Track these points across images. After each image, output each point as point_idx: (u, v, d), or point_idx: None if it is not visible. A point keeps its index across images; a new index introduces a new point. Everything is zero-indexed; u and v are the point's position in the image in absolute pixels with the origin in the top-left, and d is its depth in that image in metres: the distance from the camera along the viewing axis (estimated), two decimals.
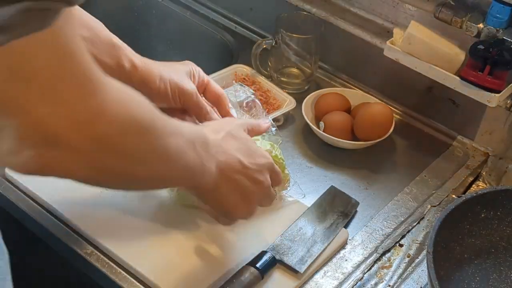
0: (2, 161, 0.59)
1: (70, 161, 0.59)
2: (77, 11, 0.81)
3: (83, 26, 0.84)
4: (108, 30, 0.87)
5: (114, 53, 0.86)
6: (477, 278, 0.93)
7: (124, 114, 0.60)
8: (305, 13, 1.30)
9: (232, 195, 0.81)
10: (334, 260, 0.96)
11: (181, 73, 0.92)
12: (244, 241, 0.95)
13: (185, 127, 0.73)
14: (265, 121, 0.96)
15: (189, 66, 0.95)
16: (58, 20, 0.52)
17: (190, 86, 0.92)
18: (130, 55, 0.88)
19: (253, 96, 1.09)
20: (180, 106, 0.93)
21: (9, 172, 0.99)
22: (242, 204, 0.82)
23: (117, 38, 0.88)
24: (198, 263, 0.91)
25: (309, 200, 1.04)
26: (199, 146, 0.73)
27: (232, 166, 0.79)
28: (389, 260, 0.97)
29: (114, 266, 0.91)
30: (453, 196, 1.09)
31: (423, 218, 1.05)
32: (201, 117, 0.94)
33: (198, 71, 0.96)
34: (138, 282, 0.89)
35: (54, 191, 0.97)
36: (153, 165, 0.67)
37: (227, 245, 0.94)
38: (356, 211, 1.03)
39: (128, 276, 0.90)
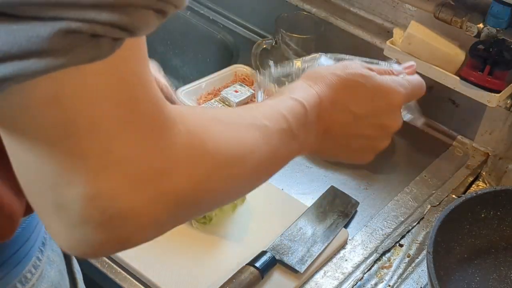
0: (66, 246, 0.47)
1: (147, 234, 0.50)
2: None
3: None
4: None
5: None
6: (477, 278, 0.93)
7: (202, 159, 0.49)
8: (305, 13, 1.30)
9: (348, 148, 0.70)
10: (334, 260, 0.96)
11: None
12: (244, 241, 0.95)
13: (275, 112, 0.60)
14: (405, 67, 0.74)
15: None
16: (120, 51, 0.41)
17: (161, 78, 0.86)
18: None
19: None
20: None
21: None
22: (361, 152, 0.71)
23: None
24: (198, 262, 0.91)
25: (309, 200, 1.04)
26: (295, 129, 0.61)
27: (342, 127, 0.67)
28: (389, 260, 0.97)
29: (114, 266, 0.91)
30: (453, 196, 1.09)
31: (423, 218, 1.05)
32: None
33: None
34: (138, 282, 0.89)
35: None
36: (247, 186, 0.59)
37: (227, 245, 0.94)
38: (356, 211, 1.03)
39: (128, 276, 0.90)
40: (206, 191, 0.50)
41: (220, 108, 0.56)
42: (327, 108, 0.65)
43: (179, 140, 0.47)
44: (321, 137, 0.66)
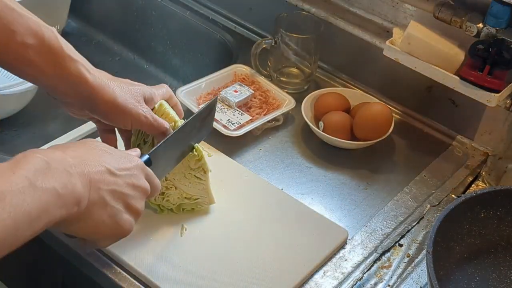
0: None
1: None
2: (24, 18, 0.80)
3: (29, 33, 0.80)
4: (62, 39, 0.84)
5: (60, 62, 0.83)
6: (477, 278, 0.94)
7: None
8: (304, 13, 1.31)
9: (112, 208, 0.74)
10: (334, 260, 0.96)
11: (136, 95, 0.90)
12: (243, 241, 0.95)
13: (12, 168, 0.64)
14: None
15: (148, 90, 0.92)
16: None
17: (139, 109, 0.89)
18: (81, 67, 0.85)
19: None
20: (131, 128, 0.92)
21: None
22: (126, 215, 0.76)
23: (72, 49, 0.85)
24: (198, 263, 0.91)
25: (309, 200, 1.04)
26: (39, 176, 0.65)
27: (101, 177, 0.72)
28: (389, 260, 0.98)
29: (114, 266, 0.91)
30: (453, 196, 1.09)
31: (422, 218, 1.05)
32: (159, 137, 0.91)
33: (161, 94, 0.95)
34: (138, 282, 0.89)
35: None
36: None
37: (227, 246, 0.94)
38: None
39: (128, 276, 0.90)
40: None
41: None
42: (81, 166, 0.70)
43: None
44: (88, 190, 0.70)
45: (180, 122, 0.94)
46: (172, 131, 0.92)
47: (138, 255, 0.91)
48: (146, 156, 0.84)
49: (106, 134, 0.94)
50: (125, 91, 0.88)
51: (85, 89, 0.85)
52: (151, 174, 0.81)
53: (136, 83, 0.93)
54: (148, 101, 0.92)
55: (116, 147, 0.94)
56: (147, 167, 0.81)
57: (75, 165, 0.69)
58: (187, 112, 1.16)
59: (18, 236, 0.63)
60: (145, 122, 0.89)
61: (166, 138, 0.89)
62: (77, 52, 0.86)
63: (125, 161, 0.77)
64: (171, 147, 0.90)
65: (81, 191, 0.69)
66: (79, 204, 0.69)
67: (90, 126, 1.11)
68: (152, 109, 0.93)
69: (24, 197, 0.63)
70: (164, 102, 0.95)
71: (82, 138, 1.09)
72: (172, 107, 0.96)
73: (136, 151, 0.84)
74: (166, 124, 0.91)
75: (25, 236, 0.64)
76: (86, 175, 0.70)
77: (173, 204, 0.96)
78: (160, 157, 0.87)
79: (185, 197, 0.96)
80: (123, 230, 0.77)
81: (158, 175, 0.85)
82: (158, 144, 0.87)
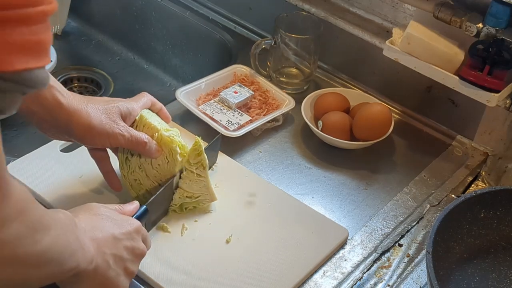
0: None
1: None
2: None
3: None
4: None
5: None
6: (477, 278, 0.94)
7: (21, 217, 0.61)
8: (304, 13, 1.31)
9: (113, 271, 0.78)
10: (334, 259, 0.96)
11: (112, 114, 0.90)
12: (244, 242, 0.95)
13: (58, 215, 0.71)
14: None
15: (125, 105, 0.92)
16: None
17: (116, 129, 0.89)
18: (56, 92, 0.85)
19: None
20: (110, 147, 0.93)
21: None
22: (123, 277, 0.80)
23: (50, 75, 0.85)
24: (199, 262, 0.91)
25: (309, 200, 1.04)
26: (74, 227, 0.72)
27: (106, 242, 0.77)
28: (389, 260, 0.98)
29: None
30: (453, 195, 1.09)
31: (422, 217, 1.05)
32: (139, 151, 0.93)
33: (141, 105, 0.95)
34: (138, 282, 0.89)
35: (53, 188, 0.97)
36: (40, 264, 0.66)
37: (227, 246, 0.94)
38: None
39: None
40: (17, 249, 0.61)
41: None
42: (93, 231, 0.76)
43: (11, 203, 0.59)
44: (95, 253, 0.75)
45: (164, 131, 0.94)
46: (152, 141, 0.93)
47: None
48: (144, 207, 0.88)
49: (95, 152, 0.95)
50: (100, 112, 0.89)
51: (59, 114, 0.86)
52: (146, 235, 0.85)
53: (114, 99, 0.93)
54: (125, 116, 0.92)
55: (108, 163, 0.95)
56: (143, 228, 0.84)
57: (87, 230, 0.75)
58: (187, 113, 1.16)
59: (61, 264, 0.68)
60: (123, 141, 0.90)
61: (162, 188, 0.93)
62: (53, 77, 0.85)
63: (126, 225, 0.81)
64: (166, 194, 0.95)
65: (93, 253, 0.74)
66: (91, 263, 0.74)
67: None
68: (133, 122, 0.93)
69: (68, 233, 0.70)
70: (146, 112, 0.96)
71: None
72: (157, 113, 0.96)
73: (135, 204, 0.88)
74: (145, 137, 0.92)
75: (61, 270, 0.69)
76: (95, 240, 0.76)
77: (175, 205, 0.96)
78: (156, 204, 0.92)
79: (187, 196, 0.96)
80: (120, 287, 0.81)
81: (154, 220, 0.93)
82: (154, 196, 0.91)
